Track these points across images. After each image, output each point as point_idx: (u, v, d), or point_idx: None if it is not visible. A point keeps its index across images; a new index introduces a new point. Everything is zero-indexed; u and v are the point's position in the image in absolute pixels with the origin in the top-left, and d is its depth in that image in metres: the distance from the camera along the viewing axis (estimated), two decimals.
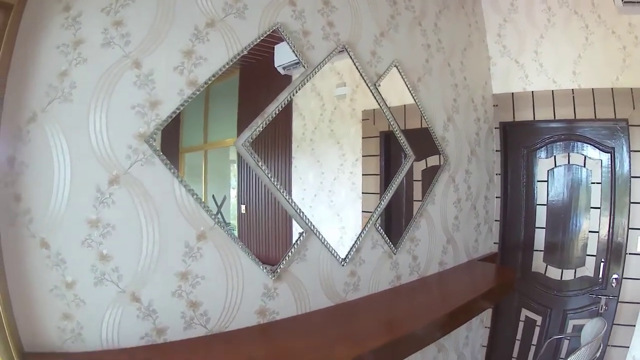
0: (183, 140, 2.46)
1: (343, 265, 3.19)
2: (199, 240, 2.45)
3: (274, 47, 2.86)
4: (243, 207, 2.76)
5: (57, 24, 2.09)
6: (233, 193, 2.72)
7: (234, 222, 2.69)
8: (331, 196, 3.26)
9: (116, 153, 2.19)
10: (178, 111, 2.36)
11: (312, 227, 2.96)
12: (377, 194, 3.52)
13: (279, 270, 2.78)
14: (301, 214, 2.92)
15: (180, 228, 2.39)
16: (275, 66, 2.89)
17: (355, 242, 3.28)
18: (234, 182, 2.73)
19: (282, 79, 2.91)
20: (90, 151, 2.13)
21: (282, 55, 2.89)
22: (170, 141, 2.37)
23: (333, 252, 3.11)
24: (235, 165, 2.73)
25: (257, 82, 2.81)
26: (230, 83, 2.69)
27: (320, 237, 3.02)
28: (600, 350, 3.30)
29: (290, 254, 2.84)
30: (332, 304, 3.16)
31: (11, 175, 1.97)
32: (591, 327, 3.43)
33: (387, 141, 3.63)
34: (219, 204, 2.60)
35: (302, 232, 2.93)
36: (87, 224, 2.12)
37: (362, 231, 3.32)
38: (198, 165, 2.55)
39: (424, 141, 3.97)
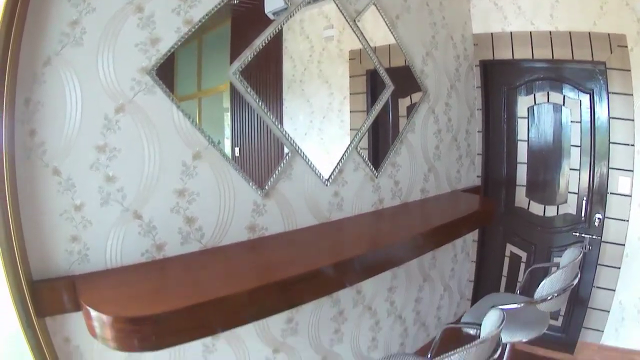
0: (177, 89, 2.63)
1: (327, 185, 3.45)
2: (195, 159, 2.68)
3: None
4: (237, 149, 2.96)
5: None
6: (228, 140, 2.92)
7: None
8: (321, 134, 3.48)
9: (122, 85, 2.39)
10: (176, 46, 2.57)
11: (297, 148, 3.19)
12: (362, 126, 3.70)
13: (267, 187, 3.02)
14: (286, 135, 3.13)
15: (178, 149, 2.62)
16: (265, 12, 3.04)
17: (338, 163, 3.50)
18: (227, 131, 2.93)
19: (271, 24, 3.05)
20: (99, 85, 2.31)
21: (271, 1, 3.05)
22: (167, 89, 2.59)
23: (317, 171, 3.35)
24: (229, 113, 2.93)
25: (247, 28, 2.97)
26: (222, 32, 2.88)
27: (305, 157, 3.25)
28: (577, 278, 3.37)
29: (277, 172, 3.08)
30: (318, 223, 3.41)
31: (27, 114, 2.12)
32: (568, 254, 3.52)
33: (373, 79, 3.83)
34: None
35: (288, 152, 3.15)
36: (95, 150, 2.31)
37: (344, 153, 3.52)
38: (192, 113, 2.70)
39: (408, 79, 4.16)
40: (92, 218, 2.35)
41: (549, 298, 3.17)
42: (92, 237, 2.36)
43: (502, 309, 2.40)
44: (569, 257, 3.45)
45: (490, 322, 2.36)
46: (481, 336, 2.34)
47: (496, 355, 2.33)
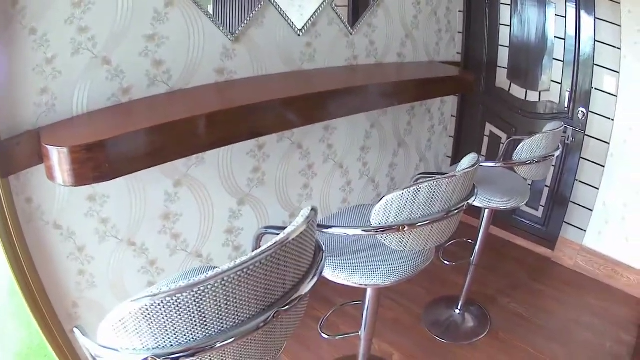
0: None
1: (299, 35, 3.43)
2: (167, 6, 2.67)
3: None
4: None
5: None
6: None
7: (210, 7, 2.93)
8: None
9: None
10: None
11: None
12: None
13: (237, 32, 3.03)
14: None
15: None
16: None
17: (312, 16, 3.46)
18: None
19: None
20: None
21: None
22: None
23: (289, 21, 3.33)
24: None
25: None
26: None
27: (278, 7, 3.23)
28: (559, 152, 3.35)
29: (249, 19, 3.07)
30: (289, 70, 3.43)
31: None
32: (550, 126, 3.40)
33: None
34: None
35: (260, 1, 3.11)
36: (70, 5, 2.33)
37: (318, 7, 3.49)
38: None
39: None
40: (62, 69, 2.39)
41: (527, 162, 3.16)
42: (60, 87, 2.41)
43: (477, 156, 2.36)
44: (550, 127, 3.38)
45: (464, 163, 2.31)
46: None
47: (471, 201, 2.32)
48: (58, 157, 1.99)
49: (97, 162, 2.04)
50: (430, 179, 2.04)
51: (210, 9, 2.91)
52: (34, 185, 2.39)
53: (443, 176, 2.06)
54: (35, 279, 2.44)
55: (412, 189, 2.02)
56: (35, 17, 2.23)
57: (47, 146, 2.02)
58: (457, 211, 2.22)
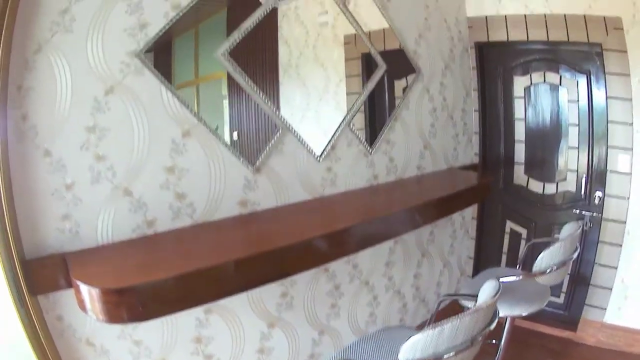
0: (175, 77, 2.71)
1: (319, 161, 3.51)
2: (184, 137, 2.76)
3: None
4: (235, 133, 3.03)
5: None
6: (226, 128, 3.00)
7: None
8: (317, 116, 3.55)
9: (111, 68, 2.45)
10: (165, 29, 2.64)
11: (287, 125, 3.25)
12: (354, 104, 3.75)
13: (257, 163, 3.09)
14: (276, 112, 3.19)
15: (167, 127, 2.69)
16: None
17: (330, 140, 3.55)
18: (226, 117, 3.00)
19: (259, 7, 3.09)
20: (88, 69, 2.37)
21: None
22: (163, 76, 2.66)
23: (308, 148, 3.41)
24: (227, 100, 3.00)
25: (244, 14, 3.02)
26: (218, 19, 2.94)
27: (296, 134, 3.31)
28: (577, 253, 3.34)
29: (268, 148, 3.15)
30: (310, 198, 3.48)
31: (19, 100, 2.18)
32: (567, 228, 3.49)
33: (368, 61, 3.88)
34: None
35: (278, 129, 3.21)
36: (85, 131, 2.39)
37: (336, 130, 3.58)
38: (190, 99, 2.78)
39: (402, 61, 4.20)
40: (82, 196, 2.43)
41: (547, 271, 3.16)
42: (83, 215, 2.44)
43: (498, 280, 2.38)
44: (568, 230, 3.43)
45: (485, 292, 2.35)
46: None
47: (492, 327, 2.30)
48: (89, 294, 2.00)
49: (129, 305, 2.04)
50: (451, 318, 2.06)
51: (227, 139, 2.98)
52: (64, 304, 2.40)
53: (465, 313, 2.08)
54: None
55: (436, 330, 2.04)
56: (48, 139, 2.30)
57: (77, 282, 2.04)
58: (480, 338, 2.23)
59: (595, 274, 4.60)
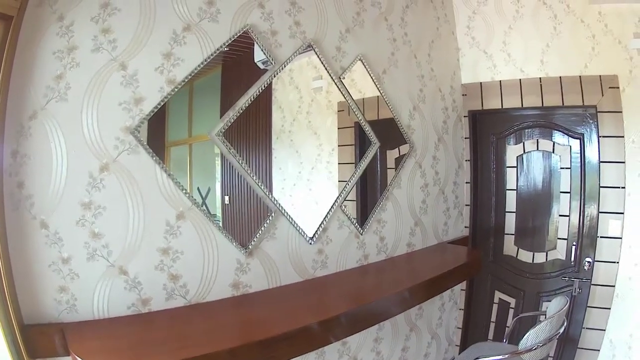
0: (169, 134, 2.71)
1: (311, 244, 3.44)
2: (178, 219, 2.73)
3: (253, 44, 3.07)
4: (227, 197, 3.00)
5: (53, 33, 2.33)
6: (218, 186, 2.96)
7: (218, 213, 2.95)
8: (309, 185, 3.50)
9: (106, 144, 2.46)
10: (159, 106, 2.62)
11: (280, 208, 3.20)
12: (347, 184, 3.70)
13: (250, 247, 3.03)
14: (270, 195, 3.15)
15: (161, 209, 2.67)
16: (255, 62, 3.09)
17: (322, 222, 3.50)
18: (218, 176, 2.97)
19: (261, 73, 3.12)
20: (83, 143, 2.39)
21: (260, 52, 3.10)
22: (157, 136, 2.64)
23: (301, 231, 3.34)
24: (219, 159, 2.95)
25: (238, 76, 3.04)
26: (212, 79, 2.93)
27: (289, 217, 3.26)
28: (564, 327, 3.34)
29: (260, 232, 3.09)
30: (302, 280, 3.40)
31: (15, 167, 2.22)
32: (555, 304, 3.51)
33: (362, 131, 3.83)
34: (203, 195, 2.86)
35: (271, 212, 3.16)
36: (81, 206, 2.39)
37: (328, 212, 3.53)
38: (183, 159, 2.79)
39: (396, 131, 4.17)
40: (79, 271, 2.42)
41: (533, 348, 3.16)
42: (80, 289, 2.43)
43: None
44: (554, 307, 3.46)
45: None
46: None
47: None
48: None
49: None
50: None
51: (220, 222, 2.94)
52: None
53: None
54: None
55: None
56: (44, 211, 2.32)
57: (77, 357, 2.04)
58: None
59: (583, 336, 4.56)
